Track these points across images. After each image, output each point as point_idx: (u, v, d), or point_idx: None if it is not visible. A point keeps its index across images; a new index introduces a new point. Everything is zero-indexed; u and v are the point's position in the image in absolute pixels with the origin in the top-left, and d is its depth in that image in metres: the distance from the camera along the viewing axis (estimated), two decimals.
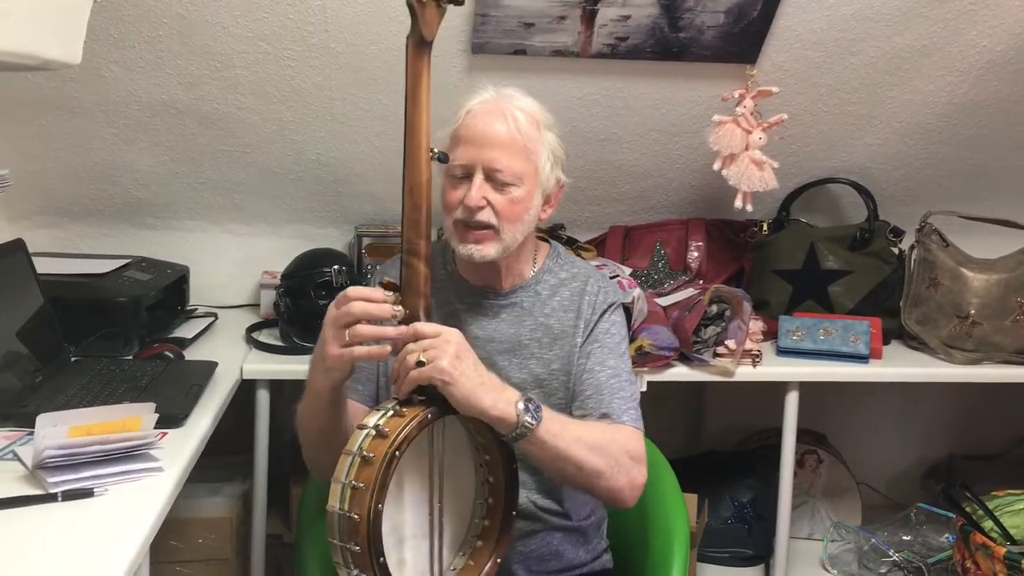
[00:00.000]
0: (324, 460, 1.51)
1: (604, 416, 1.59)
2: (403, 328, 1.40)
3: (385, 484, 1.30)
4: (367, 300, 1.39)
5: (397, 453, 1.31)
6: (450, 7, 1.43)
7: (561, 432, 1.47)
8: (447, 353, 1.37)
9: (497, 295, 1.69)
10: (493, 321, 1.67)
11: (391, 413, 1.36)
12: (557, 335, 1.67)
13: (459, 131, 1.59)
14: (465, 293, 1.70)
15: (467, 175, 1.57)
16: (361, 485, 1.30)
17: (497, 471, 1.47)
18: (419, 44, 1.40)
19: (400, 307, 1.40)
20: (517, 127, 1.58)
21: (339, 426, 1.52)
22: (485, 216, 1.57)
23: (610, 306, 1.71)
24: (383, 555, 1.30)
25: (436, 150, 1.44)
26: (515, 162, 1.57)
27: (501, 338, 1.66)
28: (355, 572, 1.31)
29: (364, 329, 1.38)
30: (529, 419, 1.41)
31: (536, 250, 1.73)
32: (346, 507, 1.31)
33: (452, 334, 1.41)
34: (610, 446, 1.53)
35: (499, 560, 1.47)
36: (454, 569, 1.46)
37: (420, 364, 1.36)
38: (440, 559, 1.43)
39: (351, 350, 1.39)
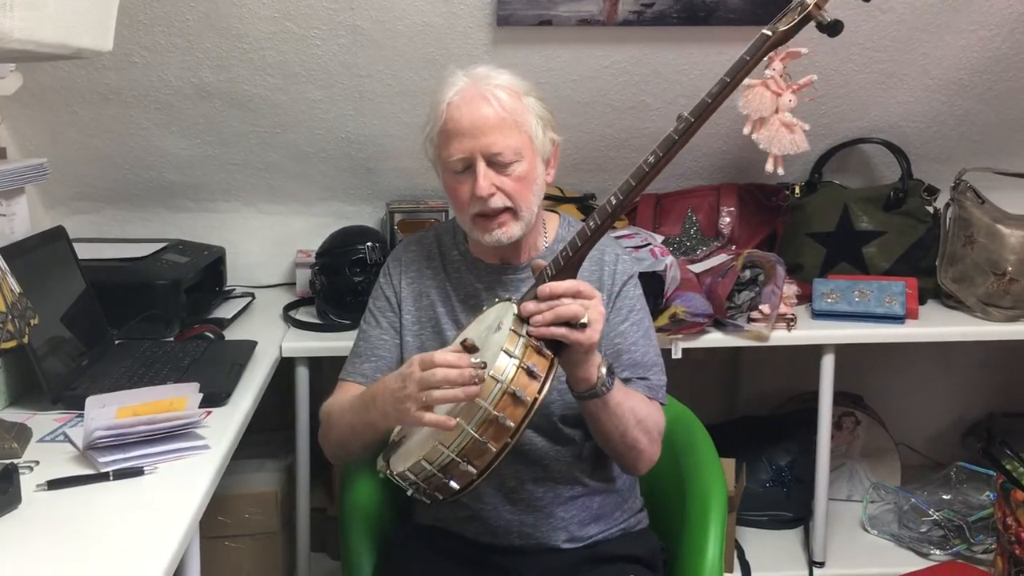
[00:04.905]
0: (353, 451, 1.67)
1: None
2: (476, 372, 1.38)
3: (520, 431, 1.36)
4: (452, 367, 1.38)
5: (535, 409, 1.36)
6: None
7: (623, 401, 1.55)
8: (600, 321, 1.43)
9: (516, 270, 1.70)
10: (515, 296, 1.68)
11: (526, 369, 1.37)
12: None
13: (446, 126, 1.58)
14: (483, 272, 1.71)
15: (468, 166, 1.58)
16: (510, 424, 1.34)
17: None
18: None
19: (482, 370, 1.38)
20: (502, 105, 1.57)
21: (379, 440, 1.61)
22: (499, 202, 1.58)
23: (630, 277, 1.73)
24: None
25: None
26: (510, 139, 1.57)
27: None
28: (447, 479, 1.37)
29: (439, 394, 1.38)
30: (605, 385, 1.49)
31: (546, 220, 1.74)
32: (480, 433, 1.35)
33: (600, 299, 1.44)
34: (650, 423, 1.61)
35: None
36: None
37: (582, 326, 1.39)
38: None
39: (421, 414, 1.40)
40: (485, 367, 1.38)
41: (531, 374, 1.37)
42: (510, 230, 1.61)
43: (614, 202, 1.41)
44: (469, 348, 1.42)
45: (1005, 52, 2.46)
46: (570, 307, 1.40)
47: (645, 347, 1.70)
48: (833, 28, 1.36)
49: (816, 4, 1.35)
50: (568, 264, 1.45)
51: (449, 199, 1.66)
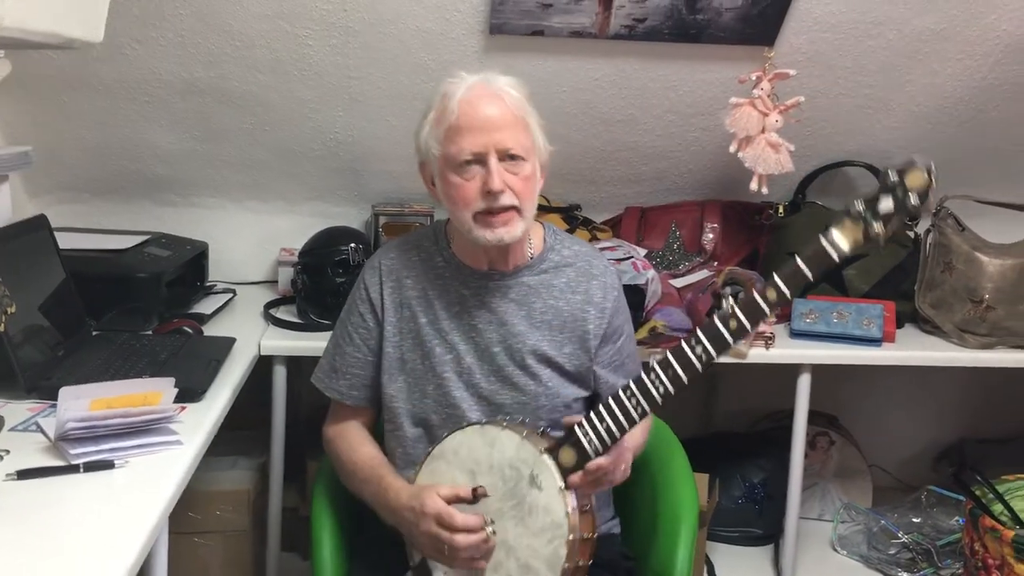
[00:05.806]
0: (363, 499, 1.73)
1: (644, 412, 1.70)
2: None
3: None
4: (472, 534, 1.49)
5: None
6: None
7: (632, 449, 1.64)
8: (629, 467, 1.59)
9: (503, 276, 1.70)
10: (503, 303, 1.68)
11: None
12: (567, 318, 1.70)
13: (458, 121, 1.57)
14: (469, 278, 1.70)
15: (478, 162, 1.57)
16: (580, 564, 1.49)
17: None
18: None
19: (494, 534, 1.51)
20: (514, 103, 1.59)
21: None
22: (508, 199, 1.57)
23: (619, 292, 1.77)
24: None
25: None
26: (521, 137, 1.59)
27: (512, 320, 1.68)
28: None
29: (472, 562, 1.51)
30: None
31: (531, 229, 1.74)
32: None
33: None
34: (644, 440, 1.78)
35: None
36: None
37: None
38: None
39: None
40: (495, 534, 1.51)
41: (584, 542, 1.48)
42: (513, 229, 1.60)
43: (661, 391, 1.44)
44: (480, 495, 1.51)
45: (991, 82, 2.49)
46: (614, 476, 1.53)
47: (635, 356, 1.79)
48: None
49: (881, 235, 1.33)
50: (614, 444, 1.50)
51: (448, 198, 1.63)
